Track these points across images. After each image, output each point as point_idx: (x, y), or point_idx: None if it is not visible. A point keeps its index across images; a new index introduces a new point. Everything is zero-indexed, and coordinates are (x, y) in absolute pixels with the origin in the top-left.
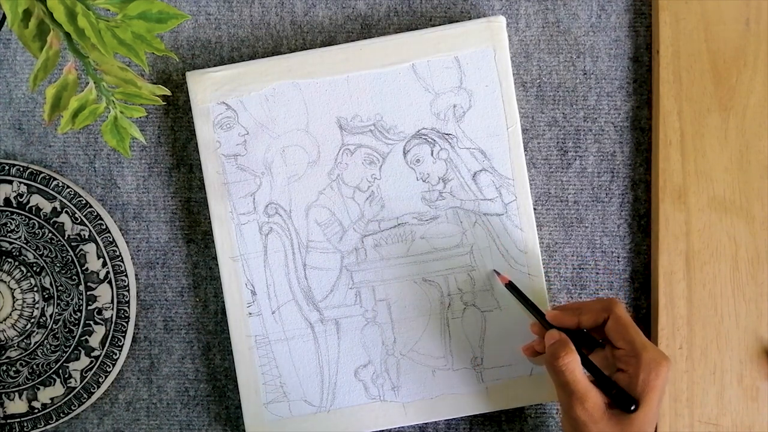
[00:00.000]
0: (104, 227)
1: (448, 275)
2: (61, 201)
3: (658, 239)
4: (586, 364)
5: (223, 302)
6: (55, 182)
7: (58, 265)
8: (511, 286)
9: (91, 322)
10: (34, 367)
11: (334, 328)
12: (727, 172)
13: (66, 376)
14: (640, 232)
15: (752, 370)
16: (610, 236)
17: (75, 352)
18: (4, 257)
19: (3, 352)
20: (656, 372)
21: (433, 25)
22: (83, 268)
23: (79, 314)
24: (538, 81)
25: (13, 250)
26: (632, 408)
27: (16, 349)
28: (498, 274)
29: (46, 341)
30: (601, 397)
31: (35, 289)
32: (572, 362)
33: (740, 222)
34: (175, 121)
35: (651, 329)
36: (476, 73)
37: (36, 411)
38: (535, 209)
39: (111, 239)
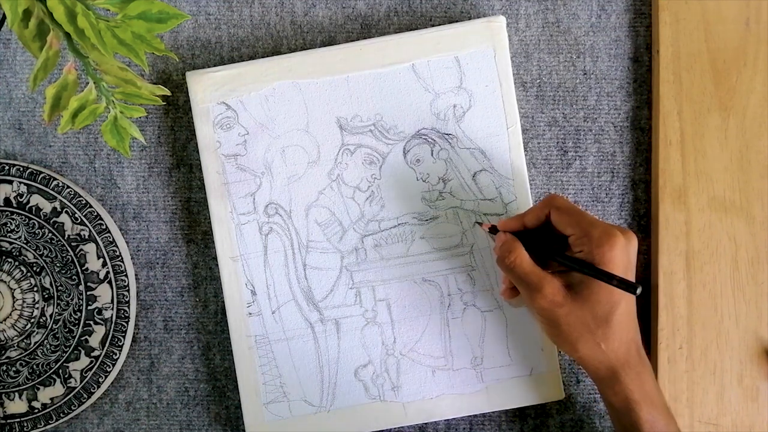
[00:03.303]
0: (104, 227)
1: (448, 275)
2: (61, 201)
3: (658, 239)
4: (569, 262)
5: (223, 302)
6: (55, 182)
7: (58, 265)
8: (493, 230)
9: (91, 322)
10: (34, 367)
11: (334, 328)
12: (727, 172)
13: (66, 376)
14: (640, 232)
15: (752, 370)
16: None
17: (75, 352)
18: (4, 257)
19: (3, 352)
20: (609, 244)
21: (433, 25)
22: (83, 268)
23: (79, 314)
24: (538, 81)
25: (13, 250)
26: (638, 292)
27: (16, 349)
28: (480, 224)
29: (46, 341)
30: (558, 280)
31: (35, 289)
32: (519, 257)
33: (740, 222)
34: (175, 121)
35: (651, 329)
36: (476, 73)
37: (36, 411)
38: None
39: (111, 239)
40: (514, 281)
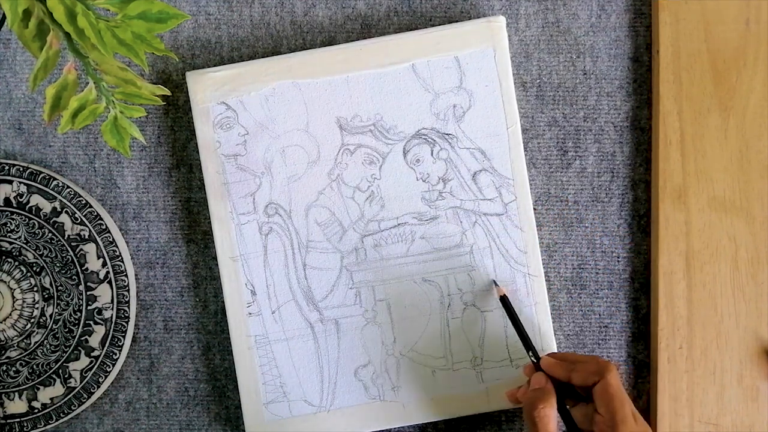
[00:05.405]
0: (104, 227)
1: (448, 275)
2: (61, 201)
3: (658, 239)
4: (566, 417)
5: (223, 302)
6: (55, 182)
7: (58, 265)
8: (503, 301)
9: (91, 322)
10: (34, 367)
11: (334, 328)
12: (727, 172)
13: (66, 376)
14: (640, 232)
15: (752, 370)
16: (610, 236)
17: (75, 352)
18: (4, 257)
19: (3, 352)
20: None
21: (433, 25)
22: (83, 268)
23: (79, 314)
24: (538, 81)
25: (13, 250)
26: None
27: (16, 349)
28: (496, 285)
29: (46, 341)
30: None
31: (35, 289)
32: (547, 416)
33: (740, 222)
34: (175, 121)
35: (651, 329)
36: (476, 73)
37: (36, 411)
38: (535, 209)
39: (111, 239)
40: (529, 429)
